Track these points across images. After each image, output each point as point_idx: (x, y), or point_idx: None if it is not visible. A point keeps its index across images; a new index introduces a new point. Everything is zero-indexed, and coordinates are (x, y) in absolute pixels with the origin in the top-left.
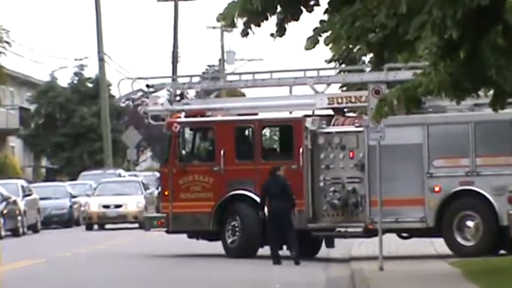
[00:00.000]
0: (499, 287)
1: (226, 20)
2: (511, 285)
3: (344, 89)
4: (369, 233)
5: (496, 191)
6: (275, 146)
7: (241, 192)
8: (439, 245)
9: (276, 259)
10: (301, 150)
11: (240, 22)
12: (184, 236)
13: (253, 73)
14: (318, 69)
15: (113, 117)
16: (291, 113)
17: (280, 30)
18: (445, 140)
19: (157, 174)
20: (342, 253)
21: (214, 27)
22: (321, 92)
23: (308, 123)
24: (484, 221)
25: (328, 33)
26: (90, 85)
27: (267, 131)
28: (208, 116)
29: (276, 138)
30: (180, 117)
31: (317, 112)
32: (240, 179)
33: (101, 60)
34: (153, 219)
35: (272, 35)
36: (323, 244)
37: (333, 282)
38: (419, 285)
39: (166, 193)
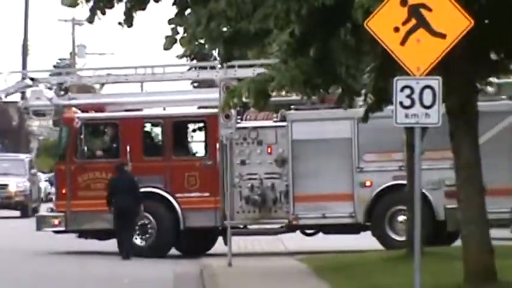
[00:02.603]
0: (344, 282)
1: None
2: (356, 281)
3: (196, 85)
4: (293, 229)
5: (432, 185)
6: (187, 142)
7: (149, 190)
8: (288, 242)
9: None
10: (217, 145)
11: (86, 8)
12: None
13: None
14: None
15: None
16: None
17: (128, 20)
18: (375, 135)
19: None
20: None
21: (65, 20)
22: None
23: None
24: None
25: (184, 34)
26: None
27: (178, 127)
28: (106, 111)
29: (188, 133)
30: (76, 112)
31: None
32: (148, 176)
33: None
34: (47, 218)
35: (120, 23)
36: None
37: (181, 278)
38: (266, 280)
39: (63, 191)
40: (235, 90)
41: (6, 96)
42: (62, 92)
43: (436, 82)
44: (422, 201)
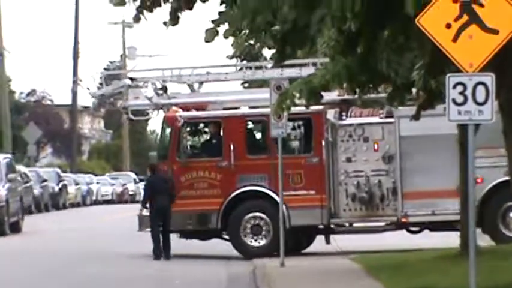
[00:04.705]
0: (398, 282)
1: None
2: (410, 280)
3: (246, 85)
4: (400, 226)
5: None
6: (291, 140)
7: (255, 189)
8: (340, 242)
9: (157, 255)
10: (322, 143)
11: (133, 7)
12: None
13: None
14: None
15: (13, 113)
16: None
17: (173, 19)
18: (485, 130)
19: (58, 170)
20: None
21: (115, 23)
22: None
23: (330, 115)
24: None
25: (227, 26)
26: None
27: None
28: (208, 110)
29: (294, 131)
30: (177, 111)
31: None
32: (252, 174)
33: (0, 55)
34: (148, 219)
35: (165, 23)
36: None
37: (234, 278)
38: (319, 280)
39: None
40: (287, 92)
41: (105, 97)
42: (161, 91)
43: (489, 78)
44: None
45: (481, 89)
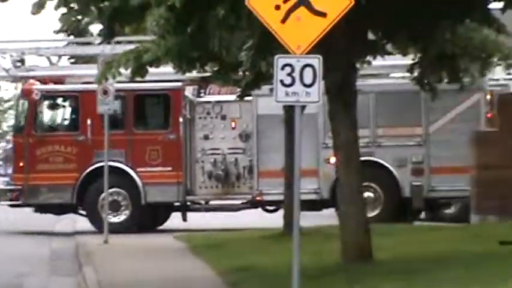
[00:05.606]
0: (221, 260)
1: None
2: (232, 259)
3: (72, 60)
4: (255, 205)
5: (398, 162)
6: (149, 116)
7: (112, 164)
8: (171, 220)
9: None
10: (180, 119)
11: None
12: None
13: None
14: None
15: None
16: None
17: None
18: None
19: None
20: (67, 226)
21: None
22: None
23: (188, 91)
24: (385, 192)
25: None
26: None
27: (140, 100)
28: (67, 84)
29: (151, 107)
30: (34, 84)
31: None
32: (109, 149)
33: None
34: (4, 192)
35: None
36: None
37: (56, 255)
38: (140, 257)
39: (21, 164)
40: (113, 61)
41: None
42: (19, 63)
43: (316, 61)
44: (388, 178)
45: (308, 71)
